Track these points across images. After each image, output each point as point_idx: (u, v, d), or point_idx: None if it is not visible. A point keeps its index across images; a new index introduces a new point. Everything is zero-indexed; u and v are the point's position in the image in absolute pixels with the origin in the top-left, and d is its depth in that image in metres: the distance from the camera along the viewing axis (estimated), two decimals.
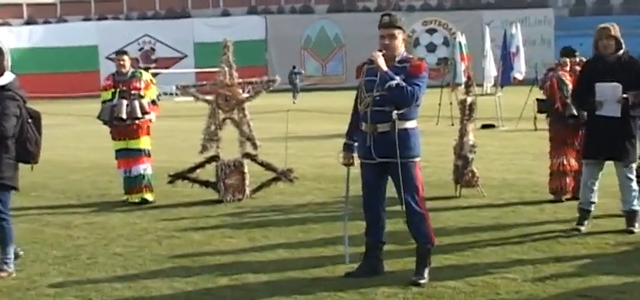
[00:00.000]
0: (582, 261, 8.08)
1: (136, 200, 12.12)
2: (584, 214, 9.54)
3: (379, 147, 7.37)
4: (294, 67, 50.42)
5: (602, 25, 9.41)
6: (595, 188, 9.52)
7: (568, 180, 11.29)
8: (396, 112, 7.25)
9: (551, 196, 11.36)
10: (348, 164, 7.87)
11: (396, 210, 7.80)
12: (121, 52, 12.63)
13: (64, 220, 11.06)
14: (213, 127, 12.23)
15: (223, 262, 8.36)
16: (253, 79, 12.69)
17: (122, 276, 7.98)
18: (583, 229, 9.37)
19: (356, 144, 7.73)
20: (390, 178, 7.54)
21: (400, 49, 7.53)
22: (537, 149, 15.40)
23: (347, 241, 7.92)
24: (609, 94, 9.07)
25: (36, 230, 10.39)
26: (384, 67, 7.32)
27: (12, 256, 8.22)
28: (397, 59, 7.46)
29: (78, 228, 10.47)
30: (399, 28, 7.53)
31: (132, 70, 12.47)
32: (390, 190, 7.60)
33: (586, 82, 9.38)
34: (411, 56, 7.64)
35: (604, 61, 9.25)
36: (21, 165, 8.49)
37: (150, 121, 12.38)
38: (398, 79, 7.24)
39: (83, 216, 11.31)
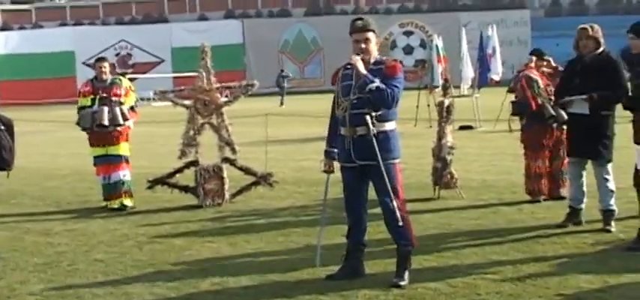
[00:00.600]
0: (561, 260, 8.16)
1: (116, 206, 12.09)
2: (573, 211, 9.69)
3: (359, 150, 7.42)
4: (282, 71, 50.39)
5: (582, 26, 9.58)
6: (581, 186, 9.66)
7: (544, 181, 11.37)
8: (371, 114, 7.30)
9: (529, 197, 11.45)
10: (329, 171, 7.88)
11: (377, 212, 7.80)
12: (101, 59, 12.59)
13: (43, 227, 11.04)
14: (191, 132, 12.23)
15: (205, 267, 8.38)
16: (232, 84, 12.73)
17: (103, 282, 7.99)
18: (570, 225, 9.53)
19: (336, 150, 7.77)
20: (370, 180, 7.59)
21: (374, 52, 7.61)
22: (515, 150, 15.41)
23: (320, 244, 7.95)
24: (576, 99, 9.31)
25: (16, 238, 10.37)
26: (364, 71, 7.36)
27: None
28: (372, 62, 7.52)
29: (58, 235, 10.45)
30: (373, 31, 7.60)
31: (111, 76, 12.45)
32: (372, 193, 7.65)
33: (567, 81, 9.57)
34: (384, 58, 7.72)
35: (583, 61, 9.45)
36: None
37: (129, 127, 12.37)
38: (378, 82, 7.29)
39: (63, 223, 11.28)
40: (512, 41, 61.16)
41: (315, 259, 7.91)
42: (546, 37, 58.80)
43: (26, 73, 62.49)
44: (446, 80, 13.17)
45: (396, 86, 7.36)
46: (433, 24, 58.95)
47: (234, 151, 12.35)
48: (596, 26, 9.55)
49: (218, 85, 12.42)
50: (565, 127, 10.29)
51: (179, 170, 12.41)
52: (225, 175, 12.25)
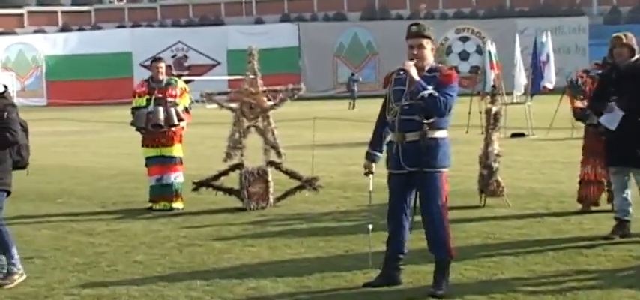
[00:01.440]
0: (605, 273, 7.96)
1: (161, 208, 12.09)
2: (620, 223, 9.47)
3: (408, 156, 7.29)
4: (353, 74, 50.44)
5: (616, 34, 9.46)
6: (627, 196, 9.45)
7: (593, 189, 11.12)
8: (425, 121, 7.18)
9: (579, 206, 11.20)
10: (368, 173, 7.79)
11: (418, 220, 7.62)
12: (157, 59, 12.62)
13: (87, 227, 11.10)
14: (237, 135, 12.20)
15: (242, 271, 8.32)
16: (278, 87, 12.64)
17: (140, 284, 7.97)
18: (616, 237, 9.28)
19: (378, 154, 7.70)
20: (416, 188, 7.46)
21: (429, 58, 7.47)
22: (567, 158, 15.29)
23: (371, 247, 7.93)
24: (608, 116, 9.15)
25: (59, 237, 10.44)
26: (417, 77, 7.23)
27: (17, 256, 8.17)
28: (426, 69, 7.39)
29: (101, 235, 10.49)
30: (428, 37, 7.46)
31: (167, 77, 12.48)
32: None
33: (602, 90, 9.39)
34: (440, 65, 7.60)
35: (618, 69, 9.28)
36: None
37: (183, 128, 12.39)
38: (431, 89, 7.16)
39: (106, 223, 11.33)
40: (570, 48, 60.56)
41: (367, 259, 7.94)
42: (605, 45, 57.96)
43: (85, 73, 63.50)
44: (494, 87, 12.97)
45: (449, 94, 7.24)
46: (489, 30, 58.48)
47: (279, 154, 12.29)
48: (629, 34, 9.41)
49: (264, 88, 12.37)
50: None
51: (224, 173, 12.38)
52: (269, 178, 12.19)
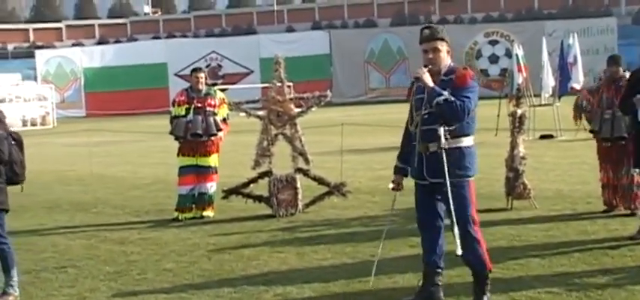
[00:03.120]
0: (630, 274, 7.83)
1: (191, 216, 12.08)
2: None
3: (431, 167, 6.90)
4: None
5: None
6: None
7: (609, 192, 11.01)
8: (443, 129, 6.76)
9: (605, 207, 11.09)
10: (396, 189, 7.40)
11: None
12: (197, 69, 12.62)
13: (120, 235, 11.12)
14: (265, 143, 12.18)
15: (270, 278, 8.29)
16: (305, 95, 12.59)
17: (169, 291, 7.97)
18: (639, 238, 9.15)
19: (407, 167, 7.30)
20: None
21: (445, 61, 7.06)
22: (594, 159, 15.03)
23: (377, 258, 7.56)
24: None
25: (92, 246, 10.47)
26: (431, 83, 6.85)
27: (16, 278, 8.05)
28: (443, 72, 7.01)
29: (132, 244, 10.50)
30: (442, 39, 7.06)
31: (206, 87, 12.48)
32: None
33: (631, 90, 9.21)
34: (456, 66, 7.13)
35: None
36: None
37: (221, 138, 12.39)
38: (446, 94, 6.75)
39: (139, 231, 11.35)
40: (599, 49, 59.99)
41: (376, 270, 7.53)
42: (633, 45, 57.57)
43: (121, 84, 64.00)
44: (518, 90, 12.87)
45: (466, 97, 6.77)
46: (518, 33, 58.18)
47: (307, 161, 12.24)
48: None
49: (291, 95, 12.34)
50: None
51: (253, 180, 12.36)
52: (298, 185, 12.16)
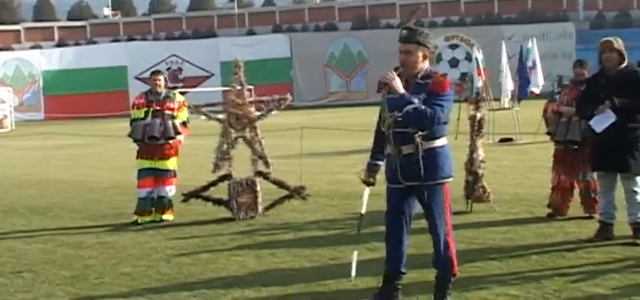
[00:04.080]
0: (588, 275, 7.90)
1: (150, 220, 12.00)
2: (603, 226, 9.42)
3: (405, 170, 6.80)
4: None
5: (605, 39, 9.34)
6: (612, 200, 9.42)
7: (556, 195, 11.10)
8: (418, 133, 6.68)
9: (549, 211, 11.17)
10: (368, 183, 7.27)
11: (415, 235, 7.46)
12: (156, 72, 12.57)
13: (76, 240, 10.99)
14: (225, 146, 12.12)
15: (228, 281, 8.25)
16: (265, 98, 12.57)
17: (127, 296, 7.91)
18: (599, 240, 9.24)
19: (380, 163, 7.22)
20: (417, 202, 7.03)
21: (420, 65, 6.86)
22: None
23: (355, 258, 7.31)
24: (599, 117, 9.04)
25: (49, 250, 10.34)
26: (401, 90, 6.73)
27: None
28: (420, 75, 6.84)
29: (90, 248, 10.38)
30: (418, 42, 6.84)
31: (166, 90, 12.42)
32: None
33: (589, 95, 9.33)
34: (434, 72, 6.91)
35: (606, 75, 9.18)
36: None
37: (180, 142, 12.31)
38: (416, 102, 6.63)
39: (96, 235, 11.23)
40: (557, 54, 60.56)
41: (349, 271, 7.32)
42: (591, 50, 58.00)
43: (80, 87, 63.45)
44: (478, 94, 12.94)
45: (439, 104, 6.66)
46: (477, 37, 58.52)
47: (267, 164, 12.21)
48: (619, 39, 9.29)
49: (251, 99, 12.31)
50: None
51: (213, 184, 12.30)
52: (258, 188, 12.11)
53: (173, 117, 12.19)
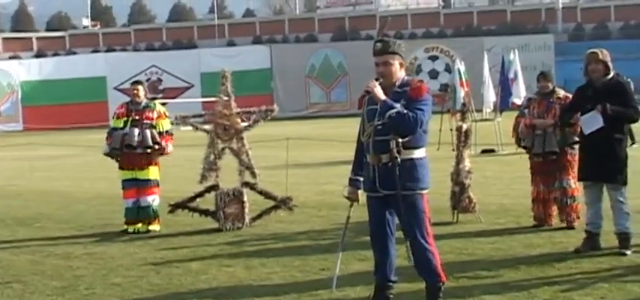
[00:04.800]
0: (576, 285, 7.96)
1: (138, 230, 12.02)
2: (590, 236, 9.49)
3: (384, 179, 6.93)
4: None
5: (591, 50, 9.46)
6: (599, 210, 9.49)
7: (538, 207, 11.19)
8: (396, 141, 6.80)
9: (535, 222, 11.27)
10: (352, 199, 7.37)
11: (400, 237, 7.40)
12: (136, 82, 12.66)
13: (65, 250, 10.96)
14: (212, 157, 12.14)
15: (219, 291, 8.28)
16: (252, 109, 12.60)
17: None
18: (587, 250, 9.32)
19: (361, 179, 7.29)
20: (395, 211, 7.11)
21: (398, 74, 7.07)
22: None
23: (337, 270, 7.43)
24: (589, 116, 9.10)
25: (37, 261, 10.31)
26: (382, 97, 6.87)
27: None
28: (397, 84, 7.04)
29: (78, 258, 10.37)
30: (394, 53, 7.06)
31: (146, 100, 12.45)
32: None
33: (576, 105, 9.46)
34: (410, 79, 7.14)
35: (593, 86, 9.29)
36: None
37: (164, 150, 12.32)
38: (398, 107, 6.79)
39: (84, 246, 11.20)
40: (536, 66, 60.67)
41: (331, 283, 7.50)
42: (570, 62, 58.48)
43: (60, 98, 63.10)
44: (463, 105, 13.04)
45: (419, 109, 6.82)
46: (458, 48, 58.80)
47: (254, 175, 12.23)
48: (605, 51, 9.41)
49: (238, 110, 12.34)
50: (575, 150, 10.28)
51: (200, 194, 12.31)
52: (245, 199, 12.14)
53: (152, 126, 12.21)
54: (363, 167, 7.26)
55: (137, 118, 12.19)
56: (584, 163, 9.45)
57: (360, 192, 7.36)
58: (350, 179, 7.40)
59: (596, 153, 9.15)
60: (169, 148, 12.35)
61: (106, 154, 12.44)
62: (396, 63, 7.07)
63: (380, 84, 7.00)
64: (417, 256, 6.98)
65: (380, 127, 6.93)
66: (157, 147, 12.19)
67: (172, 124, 12.60)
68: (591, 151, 9.22)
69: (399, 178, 6.82)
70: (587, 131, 9.18)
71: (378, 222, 7.17)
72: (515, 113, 12.11)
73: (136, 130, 12.06)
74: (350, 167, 7.52)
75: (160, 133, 12.28)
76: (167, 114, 12.62)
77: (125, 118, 12.25)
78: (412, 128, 6.83)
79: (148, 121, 12.20)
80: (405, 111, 6.80)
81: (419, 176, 6.98)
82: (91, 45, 72.54)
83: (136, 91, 12.38)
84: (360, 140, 7.27)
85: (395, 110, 6.79)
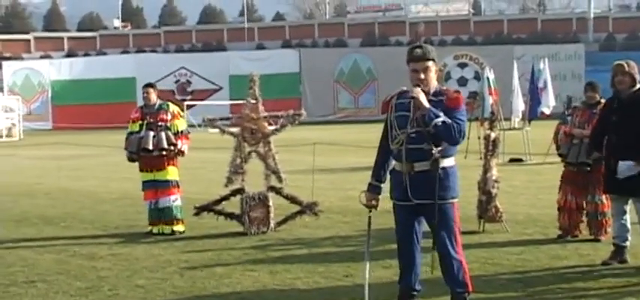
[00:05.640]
0: (603, 299, 7.87)
1: (160, 231, 12.05)
2: (617, 249, 9.38)
3: (416, 188, 6.83)
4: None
5: (617, 62, 9.34)
6: (625, 223, 9.39)
7: (564, 217, 11.07)
8: (436, 149, 6.73)
9: (559, 233, 11.15)
10: (370, 206, 7.28)
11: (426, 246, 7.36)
12: (147, 85, 12.64)
13: (89, 251, 10.99)
14: (238, 160, 12.13)
15: (243, 296, 8.26)
16: (279, 113, 12.55)
17: None
18: (614, 263, 9.22)
19: (382, 185, 7.21)
20: (425, 220, 7.04)
21: (434, 82, 7.01)
22: None
23: (367, 281, 7.31)
24: (626, 167, 8.95)
25: (62, 261, 10.34)
26: (427, 105, 6.75)
27: None
28: (431, 92, 6.93)
29: (103, 259, 10.38)
30: (433, 60, 7.00)
31: (159, 102, 12.47)
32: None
33: (605, 120, 9.31)
34: (444, 88, 7.07)
35: (619, 99, 9.17)
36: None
37: (180, 152, 12.30)
38: (443, 117, 6.71)
39: (109, 247, 11.23)
40: (566, 75, 60.54)
41: (363, 293, 7.32)
42: (600, 72, 58.04)
43: (89, 98, 63.45)
44: (492, 113, 12.94)
45: (460, 119, 6.80)
46: (487, 56, 58.56)
47: (280, 179, 12.19)
48: (632, 63, 9.28)
49: (265, 113, 12.31)
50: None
51: (225, 198, 12.30)
52: (270, 203, 12.11)
53: (167, 128, 12.25)
54: (384, 173, 7.16)
55: (152, 120, 12.25)
56: (610, 176, 9.31)
57: (380, 198, 7.25)
58: (370, 185, 7.28)
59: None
60: (184, 148, 12.33)
61: (129, 159, 12.47)
62: (434, 70, 7.03)
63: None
64: (445, 266, 6.92)
65: (414, 135, 6.83)
66: (172, 148, 12.19)
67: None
68: (616, 163, 9.09)
69: (435, 188, 6.73)
70: (621, 176, 9.02)
71: (406, 230, 7.07)
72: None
73: (151, 133, 12.12)
74: None
75: (176, 134, 12.29)
76: (182, 114, 12.68)
77: (140, 122, 12.32)
78: (456, 138, 6.77)
79: (163, 123, 12.25)
80: (450, 121, 6.72)
81: (450, 185, 6.91)
82: (121, 46, 72.96)
83: (146, 94, 12.43)
84: (384, 146, 7.17)
85: (441, 120, 6.70)
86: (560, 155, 11.39)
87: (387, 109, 7.15)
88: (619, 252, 9.38)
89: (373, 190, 7.25)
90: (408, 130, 6.86)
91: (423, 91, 6.88)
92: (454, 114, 6.79)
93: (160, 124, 12.20)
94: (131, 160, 12.47)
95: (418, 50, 7.00)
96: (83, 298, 8.36)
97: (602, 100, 10.84)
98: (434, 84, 7.01)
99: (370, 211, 7.32)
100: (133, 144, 12.21)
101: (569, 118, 11.37)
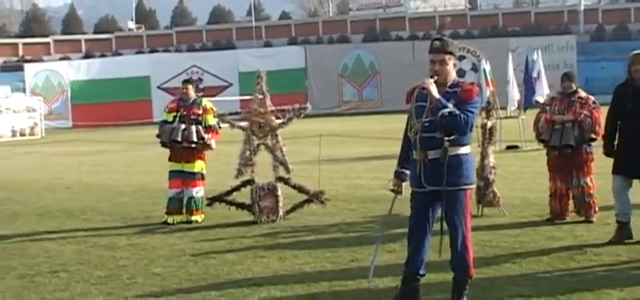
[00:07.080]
0: (596, 277, 7.87)
1: (179, 221, 12.08)
2: (621, 225, 9.40)
3: (430, 175, 6.76)
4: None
5: (636, 52, 9.35)
6: (628, 199, 9.42)
7: (555, 202, 11.06)
8: (446, 138, 6.67)
9: (549, 217, 11.15)
10: (397, 192, 7.19)
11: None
12: (186, 81, 12.96)
13: (109, 241, 11.01)
14: (248, 153, 12.14)
15: (254, 282, 8.24)
16: (286, 107, 12.55)
17: (159, 295, 7.93)
18: (617, 241, 9.25)
19: (407, 171, 7.11)
20: (439, 207, 6.92)
21: (451, 74, 6.90)
22: None
23: (374, 261, 7.34)
24: None
25: (83, 251, 10.36)
26: (437, 95, 6.67)
27: None
28: (448, 84, 6.83)
29: (121, 249, 10.40)
30: (450, 53, 6.89)
31: (194, 97, 12.60)
32: None
33: (618, 106, 9.31)
34: (461, 80, 6.96)
35: (633, 86, 9.18)
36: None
37: (208, 145, 12.42)
38: (451, 107, 6.64)
39: (127, 237, 11.24)
40: (559, 65, 60.24)
41: (368, 275, 7.36)
42: (591, 61, 58.09)
43: (106, 96, 63.35)
44: (488, 103, 12.93)
45: (470, 111, 6.69)
46: (483, 49, 58.34)
47: (288, 170, 12.20)
48: None
49: (273, 108, 12.31)
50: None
51: (236, 188, 12.32)
52: (279, 193, 12.11)
53: (198, 122, 12.32)
54: (409, 160, 7.10)
55: (185, 113, 12.35)
56: (622, 158, 9.26)
57: (405, 184, 7.20)
58: (396, 172, 7.21)
59: (633, 149, 9.09)
60: (212, 142, 12.37)
61: (162, 145, 12.62)
62: (451, 63, 6.93)
63: (434, 82, 6.84)
64: (455, 250, 6.88)
65: (428, 123, 6.77)
66: (200, 142, 12.23)
67: (218, 123, 12.64)
68: (629, 147, 9.09)
69: (446, 174, 6.68)
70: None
71: (420, 218, 6.98)
72: (538, 111, 11.94)
73: (182, 126, 12.22)
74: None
75: (206, 128, 12.36)
76: (214, 109, 12.71)
77: (175, 113, 12.43)
78: (462, 129, 6.70)
79: (194, 117, 12.34)
80: (457, 112, 6.65)
81: (464, 172, 6.82)
82: (136, 46, 72.92)
83: (185, 90, 12.59)
84: (407, 135, 7.09)
85: (448, 110, 6.64)
86: (542, 141, 11.37)
87: (410, 99, 7.07)
88: (623, 229, 9.36)
89: (398, 176, 7.19)
90: (423, 120, 6.82)
91: (439, 82, 6.82)
92: (465, 105, 6.71)
93: (191, 117, 12.29)
94: (164, 145, 12.56)
95: (436, 42, 6.95)
96: (103, 286, 8.37)
97: (579, 90, 10.91)
98: (452, 76, 6.91)
99: (395, 197, 7.25)
100: (166, 134, 12.34)
101: (547, 108, 11.37)
